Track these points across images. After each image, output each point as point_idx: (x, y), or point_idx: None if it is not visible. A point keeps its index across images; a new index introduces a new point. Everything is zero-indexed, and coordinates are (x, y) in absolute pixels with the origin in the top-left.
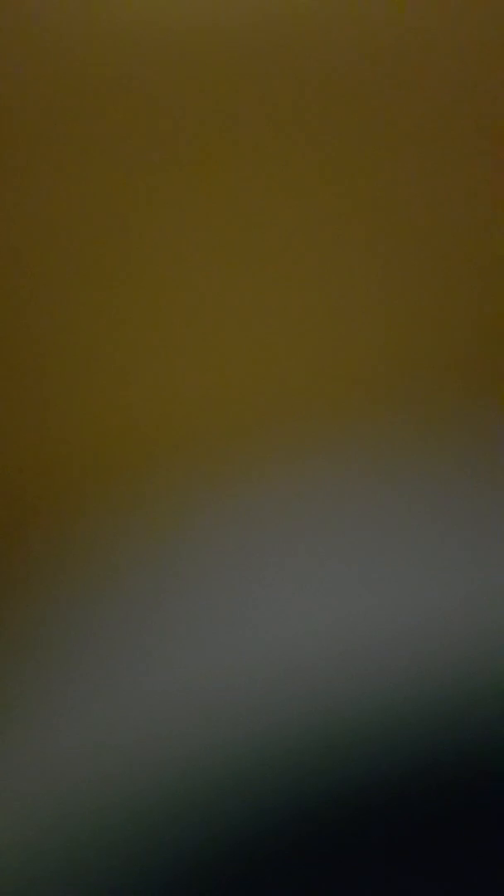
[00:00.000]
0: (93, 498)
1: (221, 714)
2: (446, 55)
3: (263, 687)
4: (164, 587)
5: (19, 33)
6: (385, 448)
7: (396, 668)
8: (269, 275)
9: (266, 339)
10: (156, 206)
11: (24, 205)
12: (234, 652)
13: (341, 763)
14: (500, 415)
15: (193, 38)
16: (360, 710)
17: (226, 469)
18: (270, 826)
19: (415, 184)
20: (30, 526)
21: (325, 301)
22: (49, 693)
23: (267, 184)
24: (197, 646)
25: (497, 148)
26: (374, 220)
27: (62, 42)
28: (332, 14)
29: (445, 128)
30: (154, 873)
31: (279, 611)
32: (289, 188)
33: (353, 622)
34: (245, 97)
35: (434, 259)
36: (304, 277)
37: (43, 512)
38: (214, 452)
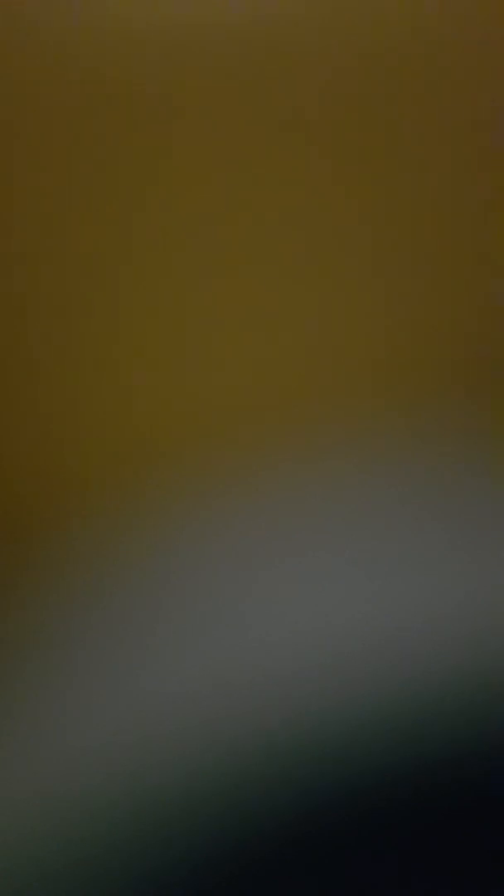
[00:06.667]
0: (92, 498)
1: (222, 715)
2: (450, 56)
3: (264, 687)
4: (163, 588)
5: (19, 33)
6: (385, 448)
7: (396, 668)
8: (267, 276)
9: (266, 339)
10: (155, 206)
11: (25, 206)
12: (235, 652)
13: (341, 763)
14: (500, 415)
15: (195, 38)
16: (361, 710)
17: (225, 469)
18: (271, 826)
19: (415, 182)
20: (29, 527)
21: (324, 303)
22: (49, 694)
23: (266, 185)
24: (197, 646)
25: (499, 149)
26: (374, 220)
27: (61, 41)
28: (336, 14)
29: (448, 128)
30: (154, 874)
31: (279, 611)
32: (288, 189)
33: (353, 622)
34: (246, 97)
35: (434, 260)
36: (302, 279)
37: (42, 513)
38: (214, 453)
